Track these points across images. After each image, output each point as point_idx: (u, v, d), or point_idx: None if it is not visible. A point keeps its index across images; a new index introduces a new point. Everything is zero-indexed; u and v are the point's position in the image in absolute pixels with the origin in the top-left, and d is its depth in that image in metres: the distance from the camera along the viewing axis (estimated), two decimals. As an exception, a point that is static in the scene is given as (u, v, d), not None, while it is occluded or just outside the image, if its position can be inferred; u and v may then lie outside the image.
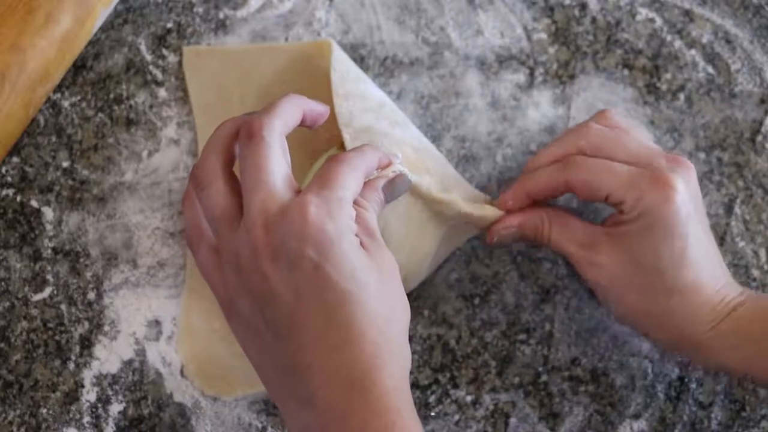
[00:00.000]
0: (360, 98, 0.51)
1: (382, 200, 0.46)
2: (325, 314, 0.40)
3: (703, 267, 0.48)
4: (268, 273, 0.41)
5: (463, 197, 0.51)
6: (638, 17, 0.60)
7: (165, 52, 0.59)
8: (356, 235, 0.42)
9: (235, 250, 0.42)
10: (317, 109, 0.46)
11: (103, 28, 0.59)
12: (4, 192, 0.56)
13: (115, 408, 0.54)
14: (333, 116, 0.49)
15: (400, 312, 0.43)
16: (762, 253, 0.57)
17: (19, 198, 0.56)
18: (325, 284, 0.40)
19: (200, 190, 0.44)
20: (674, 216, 0.47)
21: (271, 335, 0.42)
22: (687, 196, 0.47)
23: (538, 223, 0.51)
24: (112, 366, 0.54)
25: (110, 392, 0.54)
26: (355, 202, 0.44)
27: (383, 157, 0.46)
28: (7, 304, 0.55)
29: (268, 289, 0.41)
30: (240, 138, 0.44)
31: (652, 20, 0.60)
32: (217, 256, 0.44)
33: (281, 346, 0.41)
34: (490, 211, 0.51)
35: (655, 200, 0.47)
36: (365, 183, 0.45)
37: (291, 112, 0.44)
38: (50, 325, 0.55)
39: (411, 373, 0.54)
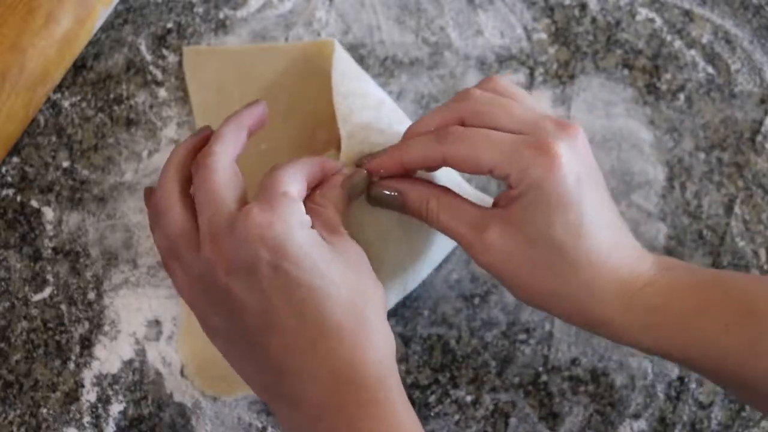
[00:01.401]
0: (360, 96, 0.51)
1: (344, 197, 0.46)
2: (295, 312, 0.40)
3: (605, 236, 0.44)
4: (228, 285, 0.41)
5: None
6: (638, 17, 0.60)
7: (165, 52, 0.59)
8: (314, 231, 0.42)
9: (196, 270, 0.42)
10: (256, 111, 0.46)
11: (103, 28, 0.59)
12: (4, 192, 0.56)
13: (115, 408, 0.54)
14: (333, 117, 0.49)
15: (374, 297, 0.43)
16: (762, 253, 0.57)
17: (19, 198, 0.56)
18: (287, 282, 0.40)
19: (159, 217, 0.44)
20: (562, 184, 0.42)
21: (246, 344, 0.42)
22: (575, 162, 0.43)
23: (423, 200, 0.46)
24: (112, 366, 0.54)
25: (110, 392, 0.54)
26: (313, 201, 0.44)
27: (327, 163, 0.46)
28: (7, 304, 0.55)
29: (232, 301, 0.41)
30: (192, 171, 0.44)
31: (652, 20, 0.60)
32: (188, 276, 0.44)
33: (258, 353, 0.41)
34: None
35: (540, 169, 0.42)
36: (324, 181, 0.45)
37: (233, 135, 0.45)
38: (50, 325, 0.55)
39: (410, 373, 0.54)
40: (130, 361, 0.54)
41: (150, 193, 0.46)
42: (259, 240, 0.40)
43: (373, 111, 0.51)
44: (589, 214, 0.43)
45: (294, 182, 0.43)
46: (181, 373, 0.54)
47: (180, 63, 0.58)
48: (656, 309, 0.43)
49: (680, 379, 0.55)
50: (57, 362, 0.54)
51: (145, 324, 0.55)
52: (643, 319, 0.44)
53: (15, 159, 0.57)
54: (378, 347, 0.42)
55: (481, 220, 0.45)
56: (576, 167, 0.43)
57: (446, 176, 0.52)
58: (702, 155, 0.59)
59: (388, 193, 0.47)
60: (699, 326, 0.43)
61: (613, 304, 0.44)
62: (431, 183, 0.47)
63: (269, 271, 0.40)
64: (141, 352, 0.54)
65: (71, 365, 0.54)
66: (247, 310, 0.41)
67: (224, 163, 0.43)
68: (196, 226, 0.43)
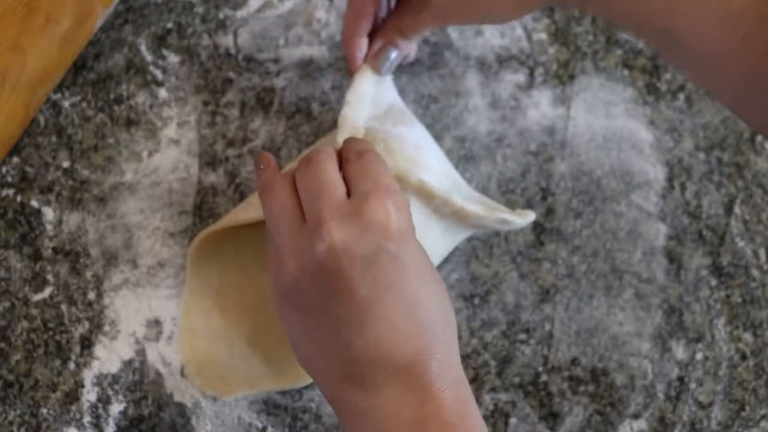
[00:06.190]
0: (371, 106, 0.51)
1: None
2: (404, 306, 0.41)
3: None
4: (343, 270, 0.41)
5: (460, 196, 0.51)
6: (638, 17, 0.60)
7: (165, 52, 0.59)
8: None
9: (319, 247, 0.41)
10: None
11: (103, 28, 0.59)
12: (4, 192, 0.56)
13: (116, 408, 0.54)
14: None
15: (449, 296, 0.44)
16: (762, 253, 0.57)
17: (19, 198, 0.56)
18: (403, 276, 0.41)
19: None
20: None
21: (339, 329, 0.42)
22: None
23: (395, 34, 0.52)
24: (113, 366, 0.54)
25: (110, 392, 0.54)
26: None
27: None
28: (8, 304, 0.55)
29: (344, 285, 0.41)
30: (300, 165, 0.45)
31: (652, 20, 0.60)
32: (301, 237, 0.43)
33: (351, 338, 0.41)
34: (483, 210, 0.51)
35: None
36: None
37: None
38: (50, 325, 0.55)
39: (411, 373, 0.54)
40: (130, 361, 0.54)
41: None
42: (389, 233, 0.41)
43: (378, 120, 0.51)
44: None
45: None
46: (181, 373, 0.54)
47: (180, 63, 0.58)
48: None
49: (680, 379, 0.55)
50: (57, 362, 0.54)
51: (145, 324, 0.55)
52: None
53: (15, 159, 0.57)
54: (457, 348, 0.43)
55: (423, 0, 0.50)
56: None
57: (443, 173, 0.52)
58: (702, 155, 0.59)
59: (388, 54, 0.52)
60: None
61: None
62: (390, 20, 0.52)
63: (389, 263, 0.41)
64: (141, 352, 0.54)
65: (71, 365, 0.54)
66: (354, 296, 0.41)
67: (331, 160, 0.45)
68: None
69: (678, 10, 0.42)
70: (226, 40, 0.59)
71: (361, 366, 0.42)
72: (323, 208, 0.42)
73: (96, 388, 0.54)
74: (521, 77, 0.59)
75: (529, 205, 0.57)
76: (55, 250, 0.56)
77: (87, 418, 0.53)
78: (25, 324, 0.55)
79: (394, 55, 0.52)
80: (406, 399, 0.41)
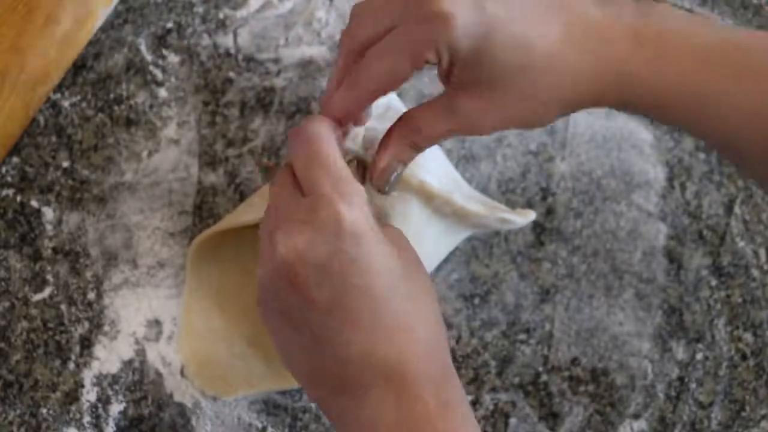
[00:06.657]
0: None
1: None
2: (371, 307, 0.40)
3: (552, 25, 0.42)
4: (299, 276, 0.40)
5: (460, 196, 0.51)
6: (638, 17, 0.60)
7: (165, 52, 0.59)
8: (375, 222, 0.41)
9: (275, 257, 0.41)
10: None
11: (103, 28, 0.59)
12: (4, 192, 0.56)
13: (115, 408, 0.54)
14: None
15: (434, 295, 0.43)
16: (762, 253, 0.57)
17: (19, 198, 0.56)
18: (364, 278, 0.39)
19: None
20: (472, 26, 0.40)
21: (312, 335, 0.41)
22: (467, 10, 0.40)
23: (406, 146, 0.45)
24: (112, 366, 0.54)
25: (110, 392, 0.54)
26: None
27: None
28: (7, 304, 0.55)
29: (303, 293, 0.40)
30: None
31: (652, 20, 0.60)
32: (272, 257, 0.42)
33: (324, 344, 0.41)
34: (483, 209, 0.51)
35: (449, 33, 0.40)
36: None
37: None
38: (50, 325, 0.55)
39: (411, 373, 0.54)
40: (130, 361, 0.54)
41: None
42: (342, 233, 0.39)
43: (377, 120, 0.51)
44: (518, 24, 0.41)
45: (344, 163, 0.42)
46: (181, 373, 0.54)
47: (180, 63, 0.58)
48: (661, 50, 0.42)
49: (680, 379, 0.55)
50: (57, 362, 0.54)
51: (145, 324, 0.55)
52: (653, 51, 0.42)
53: (15, 159, 0.57)
54: (445, 348, 0.42)
55: (449, 106, 0.43)
56: (470, 14, 0.40)
57: (444, 173, 0.52)
58: (702, 155, 0.59)
59: (395, 171, 0.45)
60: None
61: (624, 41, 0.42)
62: (394, 133, 0.45)
63: (347, 265, 0.39)
64: (141, 352, 0.54)
65: (71, 365, 0.54)
66: (315, 303, 0.40)
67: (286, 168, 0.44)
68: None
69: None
70: (226, 40, 0.59)
71: (339, 370, 0.41)
72: (274, 221, 0.41)
73: (96, 388, 0.54)
74: (521, 77, 0.59)
75: (529, 205, 0.57)
76: (54, 250, 0.56)
77: (87, 418, 0.53)
78: (25, 324, 0.55)
79: (400, 169, 0.45)
80: (388, 402, 0.40)
